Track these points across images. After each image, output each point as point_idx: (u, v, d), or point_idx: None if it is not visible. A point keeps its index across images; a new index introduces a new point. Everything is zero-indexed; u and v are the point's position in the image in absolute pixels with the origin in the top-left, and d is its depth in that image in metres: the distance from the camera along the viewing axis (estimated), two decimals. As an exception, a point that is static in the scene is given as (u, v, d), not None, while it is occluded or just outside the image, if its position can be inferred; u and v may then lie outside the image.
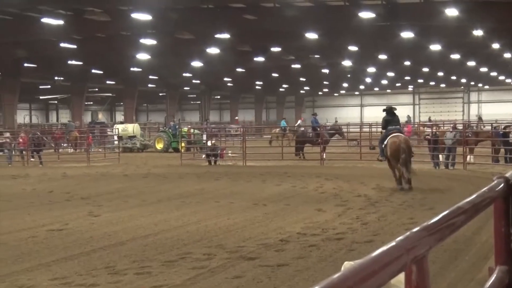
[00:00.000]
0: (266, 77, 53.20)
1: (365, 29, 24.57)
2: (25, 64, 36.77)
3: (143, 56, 34.59)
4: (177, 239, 8.51)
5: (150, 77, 49.56)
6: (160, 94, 64.07)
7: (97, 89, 56.64)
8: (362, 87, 66.10)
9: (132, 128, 36.50)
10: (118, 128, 34.28)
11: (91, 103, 65.60)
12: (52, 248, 7.98)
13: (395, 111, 15.03)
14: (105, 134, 38.14)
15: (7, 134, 27.26)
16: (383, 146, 14.67)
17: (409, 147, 14.41)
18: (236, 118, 55.94)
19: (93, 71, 42.68)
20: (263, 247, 7.89)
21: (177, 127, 32.83)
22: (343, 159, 22.40)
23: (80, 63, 37.37)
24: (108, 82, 52.08)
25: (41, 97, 59.47)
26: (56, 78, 44.96)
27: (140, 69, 42.60)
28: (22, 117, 57.63)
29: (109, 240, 8.49)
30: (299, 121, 40.04)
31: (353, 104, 74.71)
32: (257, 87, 61.52)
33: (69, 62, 36.75)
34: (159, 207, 11.79)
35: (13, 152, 26.45)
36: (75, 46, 30.44)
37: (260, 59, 37.17)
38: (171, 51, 33.77)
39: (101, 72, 43.30)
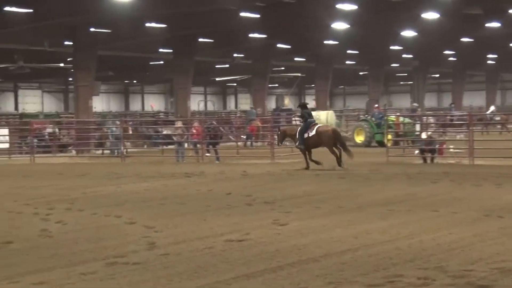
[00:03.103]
0: (501, 49, 50.67)
1: None
2: (200, 40, 39.24)
3: (339, 26, 34.92)
4: (383, 257, 8.47)
5: (348, 51, 49.87)
6: (361, 74, 64.22)
7: (283, 68, 58.44)
8: None
9: (325, 116, 37.09)
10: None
11: (276, 85, 67.91)
12: (231, 263, 8.39)
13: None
14: (293, 124, 39.23)
15: (180, 123, 29.17)
16: (308, 135, 20.93)
17: (340, 133, 22.23)
18: (452, 104, 53.92)
19: (279, 45, 44.13)
20: (499, 272, 7.57)
21: (382, 115, 32.69)
22: None
23: (263, 36, 38.89)
24: (296, 59, 53.47)
25: (217, 79, 62.93)
26: (235, 55, 47.29)
27: (335, 42, 43.08)
28: (196, 103, 61.72)
29: (299, 255, 8.71)
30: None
31: None
32: (489, 61, 58.81)
33: (251, 35, 38.45)
34: (359, 216, 11.83)
35: (186, 146, 28.37)
36: (258, 16, 31.72)
37: (495, 24, 35.48)
38: (375, 18, 33.64)
39: (288, 46, 44.61)
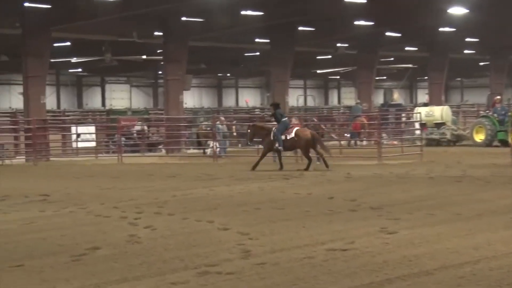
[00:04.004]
0: None
1: None
2: (300, 28, 39.30)
3: (457, 10, 34.21)
4: (507, 271, 8.27)
5: (467, 39, 48.75)
6: (481, 64, 62.58)
7: (392, 59, 57.77)
8: None
9: (439, 112, 36.46)
10: (420, 113, 34.56)
11: (384, 78, 67.19)
12: (334, 274, 8.37)
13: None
14: (402, 121, 38.78)
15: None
16: (286, 137, 22.54)
17: (319, 137, 24.03)
18: None
19: (387, 33, 43.62)
20: None
21: (505, 110, 31.83)
22: None
23: (370, 23, 38.56)
24: (407, 48, 52.73)
25: (318, 71, 62.87)
26: (338, 45, 47.09)
27: (452, 29, 42.22)
28: (294, 98, 61.87)
29: (410, 268, 8.60)
30: None
31: None
32: None
33: (356, 22, 38.19)
34: (480, 224, 11.57)
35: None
36: (364, 0, 31.48)
37: None
38: (498, 1, 32.73)
39: (398, 34, 44.02)
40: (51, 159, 30.29)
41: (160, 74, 51.78)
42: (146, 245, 10.28)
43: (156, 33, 37.14)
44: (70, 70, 57.97)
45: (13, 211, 14.10)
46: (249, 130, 24.32)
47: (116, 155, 29.51)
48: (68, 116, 45.55)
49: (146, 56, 45.25)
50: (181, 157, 30.10)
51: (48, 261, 9.27)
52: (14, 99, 54.40)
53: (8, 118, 40.90)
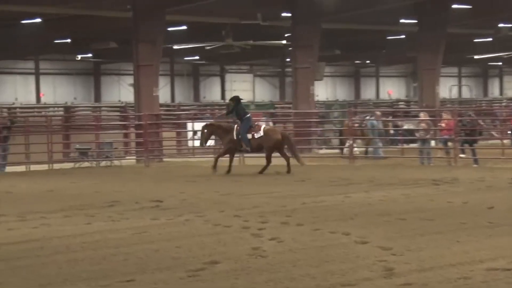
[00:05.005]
0: None
1: None
2: (454, 6, 38.51)
3: None
4: None
5: None
6: None
7: None
8: None
9: None
10: None
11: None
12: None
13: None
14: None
15: (424, 115, 28.88)
16: (253, 136, 23.42)
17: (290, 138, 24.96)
18: None
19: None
20: None
21: None
22: None
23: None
24: None
25: (476, 57, 61.52)
26: (500, 25, 45.93)
27: None
28: (446, 88, 60.82)
29: None
30: None
31: None
32: None
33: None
34: None
35: (432, 144, 28.05)
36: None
37: None
38: None
39: None
40: (164, 159, 31.02)
41: (288, 61, 52.07)
42: (272, 260, 10.35)
43: (283, 14, 37.36)
44: (186, 58, 59.23)
45: (123, 218, 14.53)
46: (205, 130, 24.50)
47: (237, 155, 29.81)
48: (183, 110, 46.42)
49: (272, 41, 45.56)
50: (311, 158, 30.12)
51: (161, 276, 9.49)
52: (124, 91, 56.15)
53: (117, 113, 42.09)
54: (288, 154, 23.87)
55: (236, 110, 24.22)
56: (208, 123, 26.11)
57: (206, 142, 25.05)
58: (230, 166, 23.92)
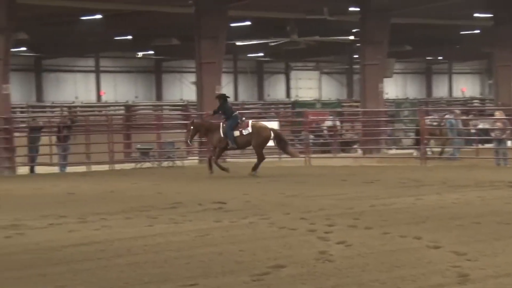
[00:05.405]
0: None
1: None
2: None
3: None
4: None
5: None
6: None
7: None
8: None
9: None
10: None
11: None
12: None
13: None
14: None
15: (501, 114, 28.55)
16: (241, 133, 23.70)
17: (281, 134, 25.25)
18: None
19: None
20: None
21: None
22: None
23: None
24: None
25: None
26: None
27: None
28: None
29: None
30: None
31: None
32: None
33: None
34: None
35: (509, 144, 27.71)
36: None
37: None
38: None
39: None
40: (228, 160, 31.14)
41: (356, 58, 51.85)
42: (339, 264, 10.33)
43: (351, 9, 37.22)
44: (249, 55, 59.36)
45: (185, 221, 14.62)
46: (192, 127, 24.45)
47: (303, 155, 29.85)
48: (247, 109, 46.55)
49: (339, 36, 45.41)
50: (380, 158, 29.99)
51: (225, 281, 9.53)
52: (186, 90, 56.50)
53: (179, 112, 42.38)
54: (280, 150, 25.28)
55: (223, 109, 24.34)
56: (194, 120, 25.93)
57: (191, 140, 25.26)
58: (219, 165, 24.21)
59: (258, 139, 23.93)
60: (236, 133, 23.85)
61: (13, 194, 20.97)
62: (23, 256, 11.31)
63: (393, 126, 35.20)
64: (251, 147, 24.76)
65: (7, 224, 14.37)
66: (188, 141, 25.31)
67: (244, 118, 24.93)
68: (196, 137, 25.87)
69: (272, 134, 24.33)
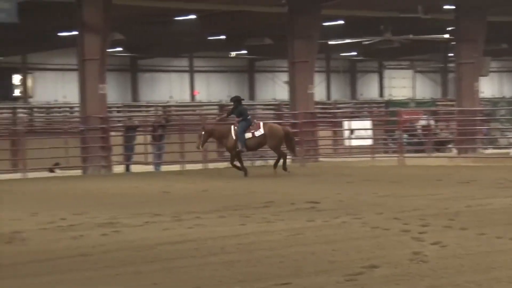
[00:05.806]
0: None
1: None
2: None
3: None
4: None
5: None
6: None
7: None
8: None
9: None
10: None
11: None
12: None
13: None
14: None
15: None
16: (253, 135, 23.51)
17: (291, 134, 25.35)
18: None
19: None
20: None
21: None
22: None
23: None
24: None
25: None
26: None
27: None
28: None
29: None
30: None
31: None
32: None
33: None
34: None
35: None
36: None
37: None
38: None
39: None
40: (320, 159, 31.14)
41: (451, 56, 51.26)
42: (434, 265, 10.21)
43: (446, 7, 36.76)
44: (342, 54, 59.19)
45: (278, 220, 14.66)
46: (203, 133, 24.07)
47: (397, 155, 29.64)
48: (339, 108, 46.42)
49: (434, 35, 44.91)
50: (476, 158, 29.56)
51: (318, 280, 9.52)
52: (279, 89, 56.64)
53: (272, 111, 42.51)
54: (286, 150, 24.89)
55: (237, 111, 24.20)
56: (206, 125, 25.75)
57: (203, 145, 24.93)
58: (243, 167, 24.36)
59: (273, 140, 23.99)
60: (248, 135, 23.76)
61: (109, 192, 21.38)
62: (119, 253, 11.51)
63: (489, 126, 34.61)
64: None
65: (103, 222, 14.64)
66: (200, 147, 24.96)
67: (255, 120, 24.92)
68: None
69: (283, 133, 24.30)
